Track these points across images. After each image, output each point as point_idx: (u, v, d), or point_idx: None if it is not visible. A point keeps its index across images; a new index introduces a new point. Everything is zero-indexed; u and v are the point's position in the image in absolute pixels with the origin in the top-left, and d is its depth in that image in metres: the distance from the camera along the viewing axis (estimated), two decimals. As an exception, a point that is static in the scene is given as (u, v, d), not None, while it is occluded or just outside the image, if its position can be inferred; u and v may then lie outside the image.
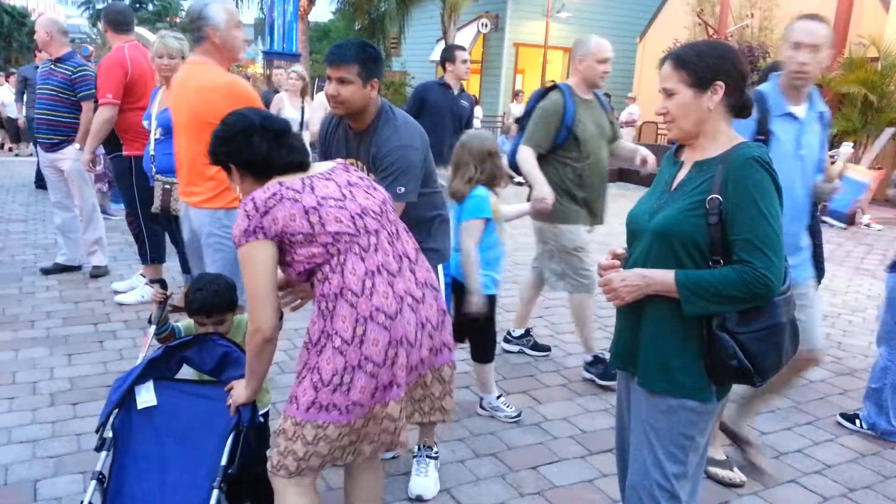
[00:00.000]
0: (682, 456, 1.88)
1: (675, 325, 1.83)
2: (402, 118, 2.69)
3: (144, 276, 4.94)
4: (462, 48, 5.45)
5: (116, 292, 4.96)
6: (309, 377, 1.88)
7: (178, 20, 39.97)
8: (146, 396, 2.21)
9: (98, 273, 5.40)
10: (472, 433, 3.26)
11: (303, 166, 1.98)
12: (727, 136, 1.86)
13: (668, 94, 1.86)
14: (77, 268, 5.52)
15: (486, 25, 20.48)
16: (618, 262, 1.95)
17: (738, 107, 1.87)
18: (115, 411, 2.19)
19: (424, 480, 2.76)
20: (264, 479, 2.03)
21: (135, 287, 4.94)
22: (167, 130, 4.05)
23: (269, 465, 1.98)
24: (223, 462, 2.06)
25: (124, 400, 2.21)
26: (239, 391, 2.10)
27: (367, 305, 1.85)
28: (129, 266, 5.71)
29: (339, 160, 2.14)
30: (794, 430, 3.51)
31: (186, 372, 2.37)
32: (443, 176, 4.67)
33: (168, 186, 4.05)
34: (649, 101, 14.95)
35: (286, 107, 6.85)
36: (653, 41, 17.61)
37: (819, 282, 3.56)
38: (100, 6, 40.16)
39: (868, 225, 9.09)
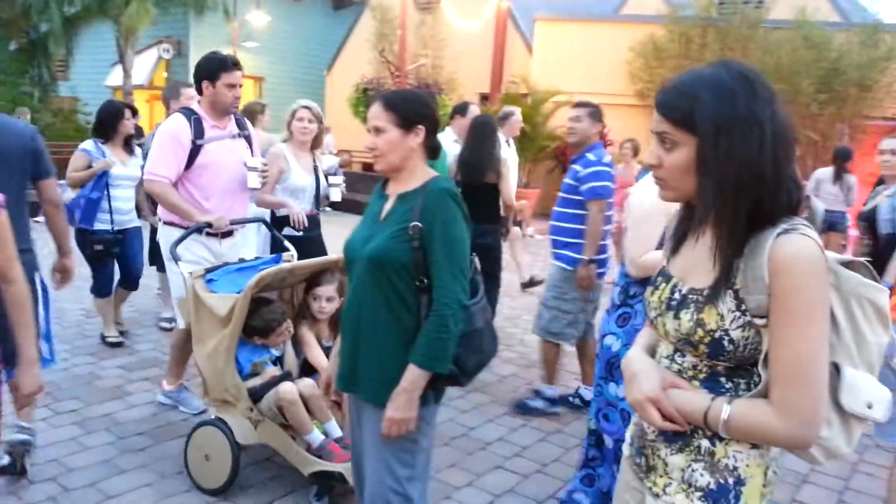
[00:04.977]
0: (411, 459, 2.08)
1: (393, 343, 2.02)
2: None
3: None
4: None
5: None
6: None
7: None
8: None
9: None
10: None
11: None
12: (423, 170, 2.13)
13: (378, 131, 2.07)
14: None
15: (167, 51, 19.43)
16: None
17: (431, 148, 2.16)
18: None
19: None
20: None
21: None
22: None
23: None
24: None
25: None
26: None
27: None
28: None
29: None
30: (494, 421, 4.01)
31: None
32: None
33: None
34: (341, 131, 15.62)
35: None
36: (339, 75, 18.40)
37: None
38: None
39: (532, 236, 10.59)
